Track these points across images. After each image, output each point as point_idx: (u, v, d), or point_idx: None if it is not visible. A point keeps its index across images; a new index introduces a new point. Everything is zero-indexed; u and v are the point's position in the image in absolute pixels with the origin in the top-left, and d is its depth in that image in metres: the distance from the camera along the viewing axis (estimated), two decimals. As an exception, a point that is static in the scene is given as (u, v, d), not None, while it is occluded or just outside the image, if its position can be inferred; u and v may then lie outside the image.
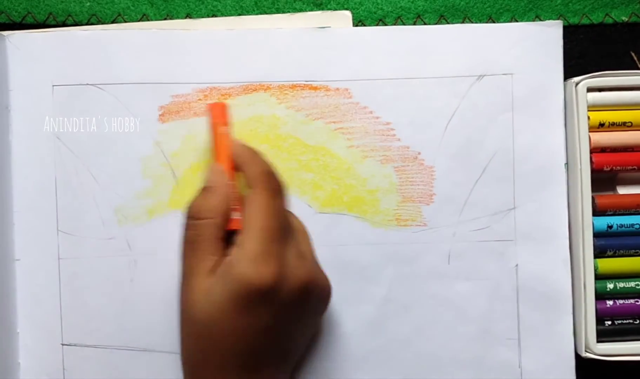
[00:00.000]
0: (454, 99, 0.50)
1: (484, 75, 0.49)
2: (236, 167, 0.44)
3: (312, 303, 0.44)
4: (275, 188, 0.43)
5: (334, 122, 0.49)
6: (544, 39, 0.49)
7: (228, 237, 0.43)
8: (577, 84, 0.49)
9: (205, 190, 0.44)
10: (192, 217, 0.43)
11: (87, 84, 0.48)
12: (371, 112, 0.49)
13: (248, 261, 0.40)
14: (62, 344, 0.48)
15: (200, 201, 0.43)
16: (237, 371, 0.41)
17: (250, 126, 0.49)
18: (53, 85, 0.48)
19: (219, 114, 0.46)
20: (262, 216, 0.41)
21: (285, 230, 0.42)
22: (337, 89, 0.49)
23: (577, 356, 0.50)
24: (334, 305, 0.49)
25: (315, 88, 0.49)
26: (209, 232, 0.42)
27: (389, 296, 0.50)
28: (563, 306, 0.50)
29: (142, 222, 0.49)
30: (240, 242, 0.41)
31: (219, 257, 0.42)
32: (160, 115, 0.49)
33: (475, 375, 0.50)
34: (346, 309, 0.50)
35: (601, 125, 0.49)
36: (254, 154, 0.44)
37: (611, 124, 0.49)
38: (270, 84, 0.49)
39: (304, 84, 0.49)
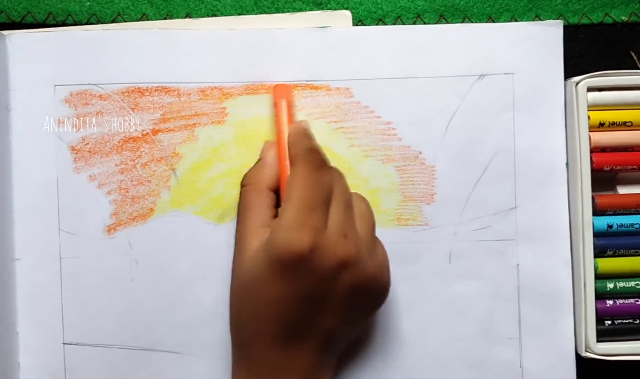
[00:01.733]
0: (455, 98, 0.50)
1: (485, 74, 0.49)
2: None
3: (354, 290, 0.43)
4: (316, 162, 0.44)
5: (335, 121, 0.49)
6: (545, 38, 0.49)
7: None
8: (577, 83, 0.49)
9: (257, 162, 0.47)
10: (242, 184, 0.46)
11: (89, 84, 0.48)
12: (372, 112, 0.49)
13: (284, 229, 0.41)
14: (63, 344, 0.48)
15: (250, 171, 0.47)
16: (274, 339, 0.42)
17: (251, 126, 0.49)
18: (54, 85, 0.48)
19: (280, 95, 0.47)
20: (301, 187, 0.42)
21: (327, 204, 0.43)
22: (338, 88, 0.49)
23: (577, 356, 0.50)
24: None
25: (317, 88, 0.49)
26: (255, 198, 0.45)
27: (391, 295, 0.49)
28: (564, 305, 0.50)
29: (143, 222, 0.49)
30: (280, 212, 0.42)
31: (266, 225, 0.44)
32: (161, 115, 0.49)
33: (476, 375, 0.50)
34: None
35: (601, 125, 0.49)
36: (303, 134, 0.46)
37: (611, 124, 0.49)
38: (272, 84, 0.49)
39: (305, 84, 0.49)
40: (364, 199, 0.46)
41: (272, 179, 0.46)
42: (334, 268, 0.42)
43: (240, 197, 0.46)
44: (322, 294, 0.42)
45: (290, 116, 0.47)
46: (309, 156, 0.44)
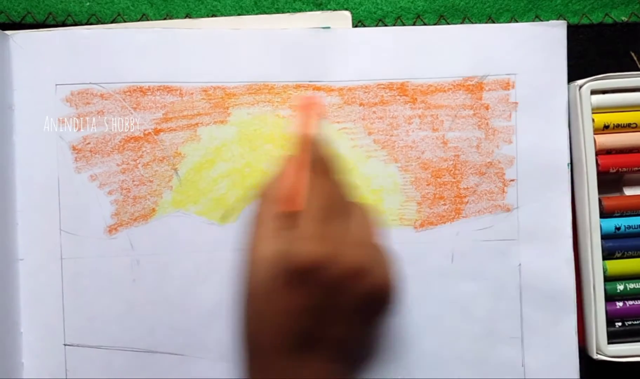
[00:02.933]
0: (457, 99, 0.50)
1: (487, 75, 0.50)
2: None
3: (367, 298, 0.43)
4: (332, 172, 0.44)
5: (338, 122, 0.49)
6: (548, 39, 0.50)
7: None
8: (580, 86, 0.49)
9: (277, 174, 0.46)
10: (259, 196, 0.45)
11: (91, 84, 0.49)
12: (374, 112, 0.50)
13: (301, 239, 0.41)
14: (65, 345, 0.48)
15: (268, 183, 0.45)
16: (289, 350, 0.42)
17: (254, 126, 0.49)
18: (56, 85, 0.48)
19: (304, 108, 0.47)
20: (317, 198, 0.42)
21: (342, 214, 0.43)
22: (341, 88, 0.49)
23: (588, 358, 0.49)
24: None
25: (319, 88, 0.49)
26: (270, 210, 0.44)
27: (392, 295, 0.49)
28: (566, 305, 0.50)
29: (145, 222, 0.49)
30: (297, 223, 0.42)
31: (279, 237, 0.43)
32: (163, 114, 0.49)
33: (478, 374, 0.50)
34: (350, 309, 0.49)
35: (606, 127, 0.49)
36: (321, 146, 0.45)
37: (616, 126, 0.49)
38: (274, 84, 0.49)
39: (308, 84, 0.49)
40: (372, 210, 0.46)
41: (287, 192, 0.45)
42: (349, 277, 0.41)
43: (256, 207, 0.46)
44: (335, 303, 0.42)
45: (313, 129, 0.47)
46: (325, 164, 0.44)
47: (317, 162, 0.44)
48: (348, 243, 0.42)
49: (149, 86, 0.49)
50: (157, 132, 0.49)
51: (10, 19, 0.51)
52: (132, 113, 0.49)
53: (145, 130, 0.49)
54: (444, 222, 0.50)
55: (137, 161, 0.49)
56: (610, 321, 0.49)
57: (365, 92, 0.49)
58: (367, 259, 0.42)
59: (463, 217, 0.50)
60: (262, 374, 0.43)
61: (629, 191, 0.51)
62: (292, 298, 0.41)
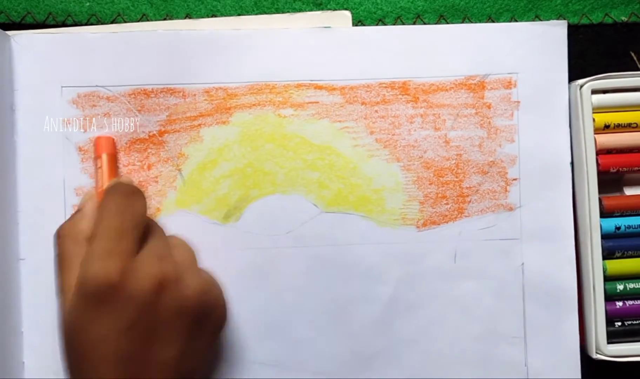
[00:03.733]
0: (458, 98, 0.50)
1: (489, 74, 0.50)
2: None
3: (180, 312, 0.41)
4: (124, 190, 0.43)
5: (340, 121, 0.49)
6: (549, 39, 0.50)
7: None
8: (581, 86, 0.49)
9: (75, 212, 0.45)
10: (57, 236, 0.44)
11: (96, 86, 0.49)
12: (376, 111, 0.50)
13: (91, 260, 0.40)
14: (67, 344, 0.48)
15: (67, 222, 0.45)
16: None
17: (255, 126, 0.49)
18: (61, 87, 0.48)
19: (101, 148, 0.48)
20: (107, 216, 0.42)
21: (138, 231, 0.42)
22: (343, 87, 0.49)
23: (588, 358, 0.49)
24: (341, 305, 0.49)
25: (320, 87, 0.49)
26: (74, 249, 0.42)
27: (395, 295, 0.49)
28: (569, 304, 0.50)
29: (148, 222, 0.49)
30: (90, 244, 0.41)
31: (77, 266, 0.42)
32: (167, 116, 0.49)
33: (481, 373, 0.50)
34: (352, 308, 0.50)
35: (606, 127, 0.49)
36: (119, 183, 0.45)
37: (616, 126, 0.49)
38: (276, 84, 0.49)
39: (309, 83, 0.49)
40: (181, 237, 0.46)
41: (90, 230, 0.43)
42: (150, 290, 0.40)
43: (57, 249, 0.44)
44: (147, 320, 0.40)
45: (113, 168, 0.48)
46: (117, 186, 0.44)
47: (111, 186, 0.44)
48: (148, 256, 0.41)
49: (152, 88, 0.49)
50: (161, 134, 0.49)
51: (10, 19, 0.51)
52: (137, 115, 0.49)
53: (150, 132, 0.49)
54: (447, 222, 0.50)
55: (143, 163, 0.49)
56: (609, 321, 0.49)
57: (367, 91, 0.50)
58: (170, 270, 0.41)
59: (465, 216, 0.50)
60: None
61: (629, 191, 0.51)
62: (102, 324, 0.40)
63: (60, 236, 0.44)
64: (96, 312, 0.40)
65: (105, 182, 0.47)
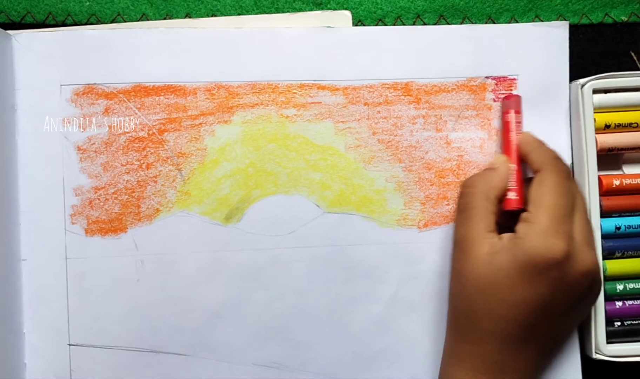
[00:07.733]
0: (460, 99, 0.50)
1: (490, 76, 0.50)
2: (522, 155, 0.47)
3: (590, 292, 0.45)
4: (564, 170, 0.45)
5: (342, 121, 0.49)
6: (550, 40, 0.50)
7: (504, 217, 0.46)
8: (582, 86, 0.49)
9: (486, 168, 0.47)
10: (466, 186, 0.46)
11: (95, 84, 0.48)
12: (379, 112, 0.49)
13: (539, 234, 0.42)
14: (69, 345, 0.48)
15: (477, 175, 0.47)
16: (508, 340, 0.43)
17: (258, 125, 0.49)
18: (60, 85, 0.48)
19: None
20: (553, 195, 0.43)
21: (573, 212, 0.44)
22: (345, 88, 0.49)
23: (587, 358, 0.49)
24: (342, 305, 0.49)
25: (323, 87, 0.49)
26: (480, 202, 0.45)
27: (396, 295, 0.50)
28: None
29: (149, 222, 0.49)
30: (529, 219, 0.43)
31: (492, 231, 0.44)
32: (167, 114, 0.49)
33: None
34: (354, 308, 0.50)
35: (607, 126, 0.49)
36: (540, 142, 0.47)
37: (617, 126, 0.49)
38: (279, 84, 0.49)
39: (312, 84, 0.49)
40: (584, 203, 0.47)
41: (501, 187, 0.46)
42: (581, 277, 0.43)
43: (462, 199, 0.46)
44: (563, 300, 0.43)
45: (519, 126, 0.48)
46: (557, 164, 0.45)
47: (551, 161, 0.45)
48: (583, 244, 0.44)
49: (152, 86, 0.49)
50: (161, 132, 0.49)
51: (10, 19, 0.50)
52: (136, 113, 0.49)
53: (149, 130, 0.49)
54: (448, 223, 0.50)
55: (142, 162, 0.49)
56: (609, 321, 0.49)
57: (370, 91, 0.49)
58: (597, 263, 0.44)
59: (467, 217, 0.50)
60: (478, 363, 0.44)
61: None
62: (526, 291, 0.42)
63: (470, 186, 0.46)
64: (526, 280, 0.42)
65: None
